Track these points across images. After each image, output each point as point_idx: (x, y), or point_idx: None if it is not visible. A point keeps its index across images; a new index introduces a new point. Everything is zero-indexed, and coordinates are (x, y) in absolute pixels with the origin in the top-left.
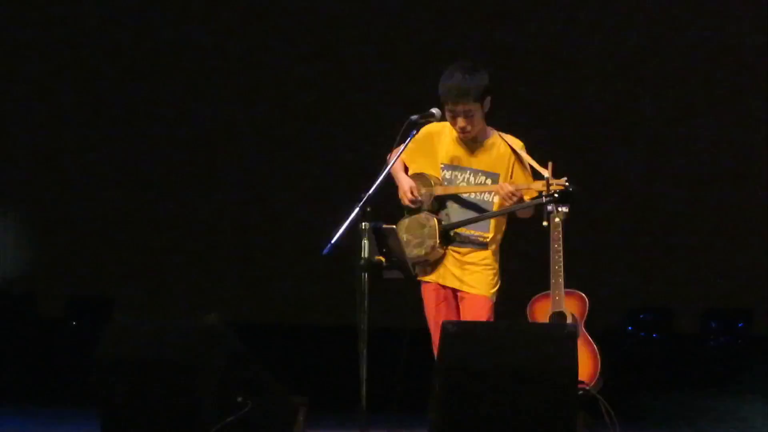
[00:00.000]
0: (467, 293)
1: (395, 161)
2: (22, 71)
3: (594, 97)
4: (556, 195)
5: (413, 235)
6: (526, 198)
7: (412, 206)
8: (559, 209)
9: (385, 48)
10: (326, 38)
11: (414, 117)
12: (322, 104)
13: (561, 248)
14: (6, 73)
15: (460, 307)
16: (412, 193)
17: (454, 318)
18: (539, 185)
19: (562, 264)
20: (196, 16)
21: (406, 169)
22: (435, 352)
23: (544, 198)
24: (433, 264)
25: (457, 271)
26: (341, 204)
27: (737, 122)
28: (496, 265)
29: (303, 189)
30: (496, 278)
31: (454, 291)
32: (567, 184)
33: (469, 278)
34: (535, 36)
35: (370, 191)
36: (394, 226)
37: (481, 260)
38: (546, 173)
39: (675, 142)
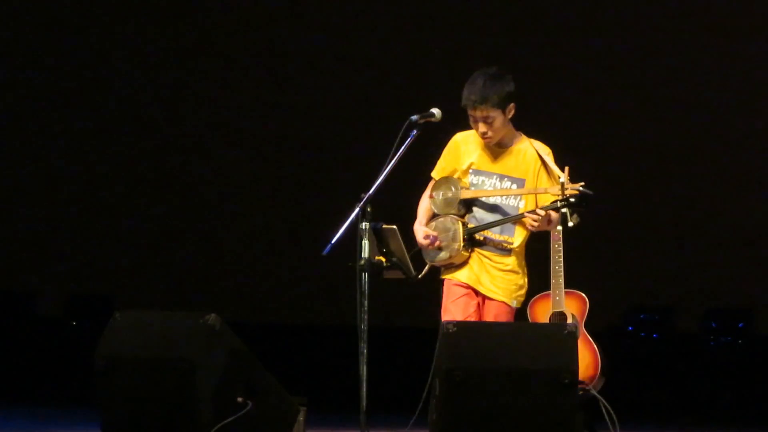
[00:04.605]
0: (488, 298)
1: (423, 202)
2: (15, 72)
3: (596, 96)
4: (571, 199)
5: (439, 238)
6: (546, 201)
7: (433, 248)
8: (575, 214)
9: (386, 48)
10: (327, 38)
11: (414, 117)
12: (322, 105)
13: (561, 248)
14: (5, 72)
15: (482, 310)
16: (426, 238)
17: (469, 316)
18: (555, 189)
19: (562, 264)
20: (196, 14)
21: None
22: None
23: (559, 202)
24: (458, 265)
25: (482, 275)
26: (341, 204)
27: (737, 122)
28: (521, 271)
29: (303, 189)
30: (520, 284)
31: (476, 291)
32: (581, 188)
33: (492, 283)
34: (539, 35)
35: (370, 191)
36: (394, 226)
37: (505, 265)
38: (562, 177)
39: (675, 143)
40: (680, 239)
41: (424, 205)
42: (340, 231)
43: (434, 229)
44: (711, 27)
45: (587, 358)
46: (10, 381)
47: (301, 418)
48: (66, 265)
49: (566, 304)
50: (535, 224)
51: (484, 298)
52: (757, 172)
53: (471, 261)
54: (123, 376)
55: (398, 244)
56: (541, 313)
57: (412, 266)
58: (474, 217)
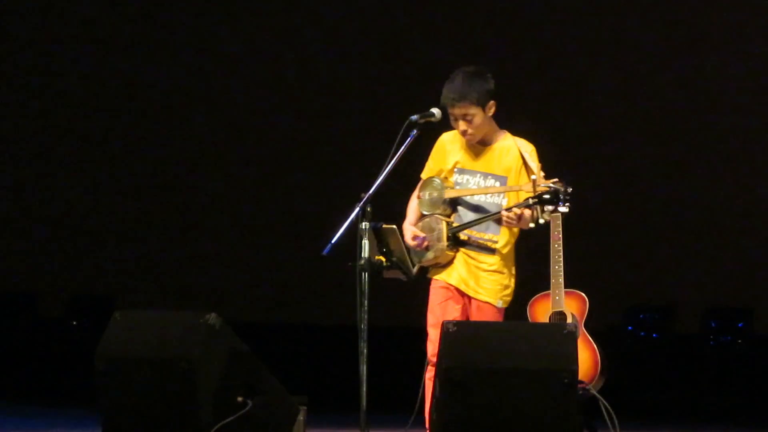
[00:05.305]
0: (474, 299)
1: (412, 201)
2: (15, 69)
3: (596, 97)
4: (545, 196)
5: (426, 237)
6: (519, 199)
7: (421, 249)
8: (546, 211)
9: (386, 48)
10: (328, 39)
11: (414, 117)
12: (323, 105)
13: (561, 248)
14: (6, 74)
15: (468, 310)
16: (414, 239)
17: (455, 318)
18: (528, 187)
19: (562, 264)
20: (202, 15)
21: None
22: (428, 349)
23: (530, 199)
24: (444, 265)
25: (467, 275)
26: (341, 204)
27: (738, 122)
28: (507, 270)
29: (303, 189)
30: (505, 284)
31: (461, 292)
32: (552, 185)
33: (477, 283)
34: (539, 35)
35: (370, 191)
36: (394, 226)
37: (490, 265)
38: (534, 174)
39: (675, 142)
40: (680, 239)
41: (413, 205)
42: (340, 231)
43: (420, 230)
44: (713, 20)
45: (587, 358)
46: (11, 381)
47: (301, 418)
48: (66, 266)
49: (566, 304)
50: (512, 221)
51: (470, 298)
52: (757, 171)
53: (456, 261)
54: (123, 376)
55: (398, 244)
56: (541, 313)
57: (412, 266)
58: (459, 216)
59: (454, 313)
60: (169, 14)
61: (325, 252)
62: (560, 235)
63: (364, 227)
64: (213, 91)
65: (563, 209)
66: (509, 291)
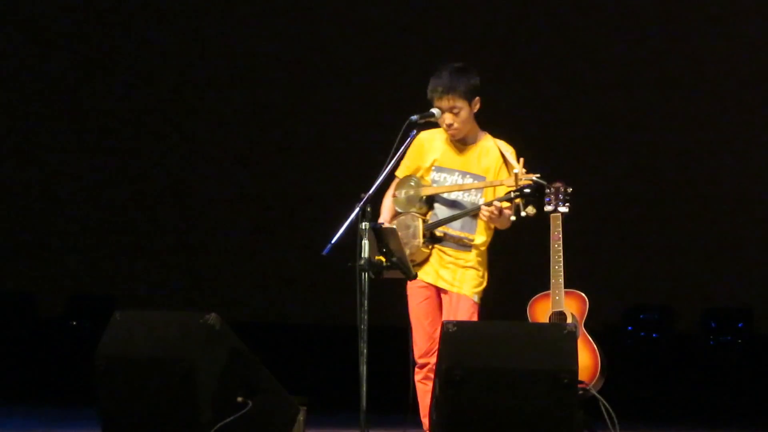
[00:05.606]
0: (450, 292)
1: (386, 200)
2: (14, 69)
3: (596, 96)
4: (526, 190)
5: (401, 235)
6: (501, 193)
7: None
8: (529, 204)
9: (386, 49)
10: (327, 39)
11: (414, 117)
12: (323, 105)
13: (561, 248)
14: (5, 74)
15: (443, 304)
16: None
17: (435, 318)
18: (510, 181)
19: (562, 264)
20: (199, 15)
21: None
22: (413, 349)
23: (512, 193)
24: (420, 263)
25: (442, 270)
26: (341, 204)
27: (737, 122)
28: (482, 268)
29: (303, 189)
30: (481, 279)
31: (439, 290)
32: (535, 179)
33: (453, 277)
34: (534, 37)
35: (370, 191)
36: (395, 226)
37: (466, 261)
38: (516, 168)
39: (675, 142)
40: (680, 239)
41: (388, 204)
42: (340, 231)
43: (397, 227)
44: (712, 17)
45: (587, 358)
46: (11, 381)
47: (301, 418)
48: (66, 265)
49: (566, 304)
50: (486, 215)
51: (447, 292)
52: (757, 170)
53: (431, 258)
54: (123, 376)
55: (398, 244)
56: (541, 313)
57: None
58: (436, 214)
59: (433, 311)
60: (164, 13)
61: (325, 252)
62: (560, 235)
63: (364, 227)
64: (213, 92)
65: (563, 209)
66: (482, 288)
